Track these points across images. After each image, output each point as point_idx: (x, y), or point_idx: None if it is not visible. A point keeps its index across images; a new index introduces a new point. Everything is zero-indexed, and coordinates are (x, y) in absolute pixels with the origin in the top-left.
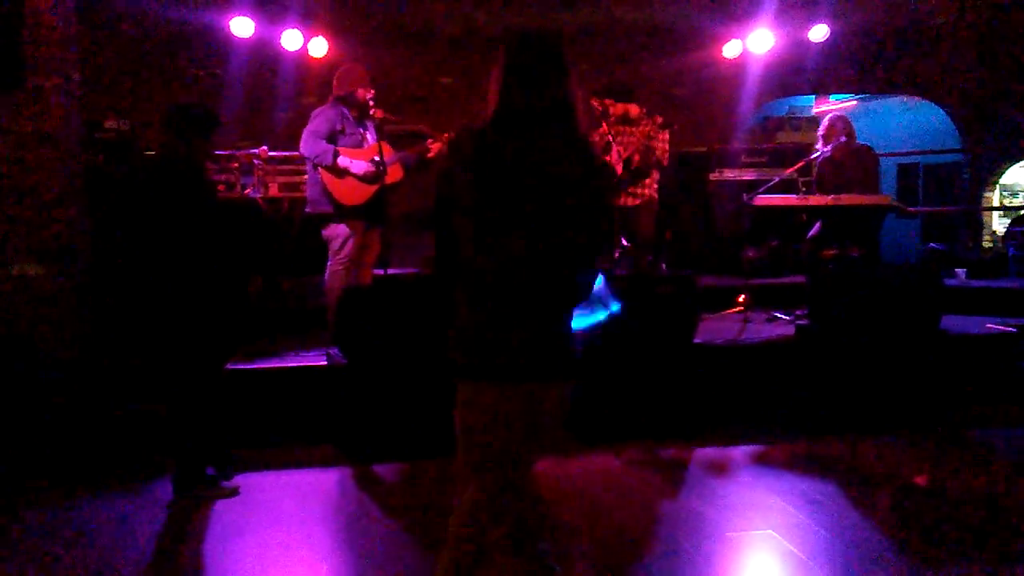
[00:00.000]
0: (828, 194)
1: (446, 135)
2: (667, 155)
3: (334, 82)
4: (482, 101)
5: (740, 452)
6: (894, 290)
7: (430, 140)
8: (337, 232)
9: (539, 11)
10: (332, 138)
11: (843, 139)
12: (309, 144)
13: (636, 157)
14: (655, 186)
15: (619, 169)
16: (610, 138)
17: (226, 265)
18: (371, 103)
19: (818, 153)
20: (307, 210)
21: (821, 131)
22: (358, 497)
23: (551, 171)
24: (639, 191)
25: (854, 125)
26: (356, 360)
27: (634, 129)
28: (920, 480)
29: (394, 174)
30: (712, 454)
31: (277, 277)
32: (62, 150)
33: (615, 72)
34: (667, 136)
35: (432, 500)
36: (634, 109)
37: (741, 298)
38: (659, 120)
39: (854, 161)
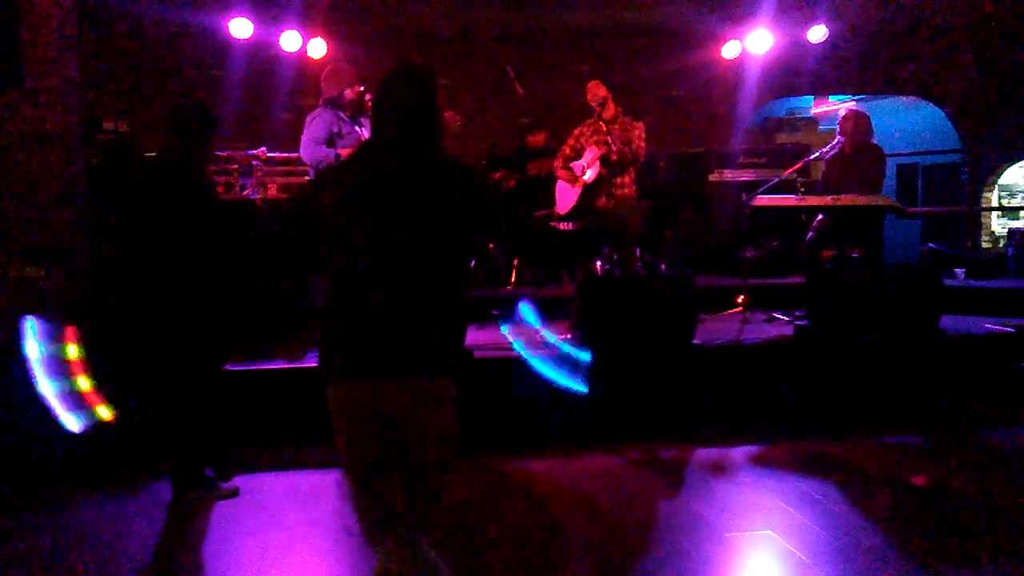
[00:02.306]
0: (831, 192)
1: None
2: (643, 151)
3: (322, 85)
4: (479, 101)
5: (739, 452)
6: (893, 290)
7: None
8: None
9: (536, 12)
10: (330, 141)
11: (841, 138)
12: (310, 151)
13: (613, 156)
14: (633, 185)
15: (596, 170)
16: (603, 136)
17: (225, 266)
18: (368, 99)
19: (818, 153)
20: None
21: (838, 124)
22: None
23: (404, 183)
24: (615, 191)
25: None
26: None
27: (613, 127)
28: (919, 480)
29: None
30: (712, 455)
31: (276, 278)
32: (61, 151)
33: (614, 73)
34: (642, 132)
35: None
36: (610, 110)
37: (740, 298)
38: (628, 119)
39: (861, 159)
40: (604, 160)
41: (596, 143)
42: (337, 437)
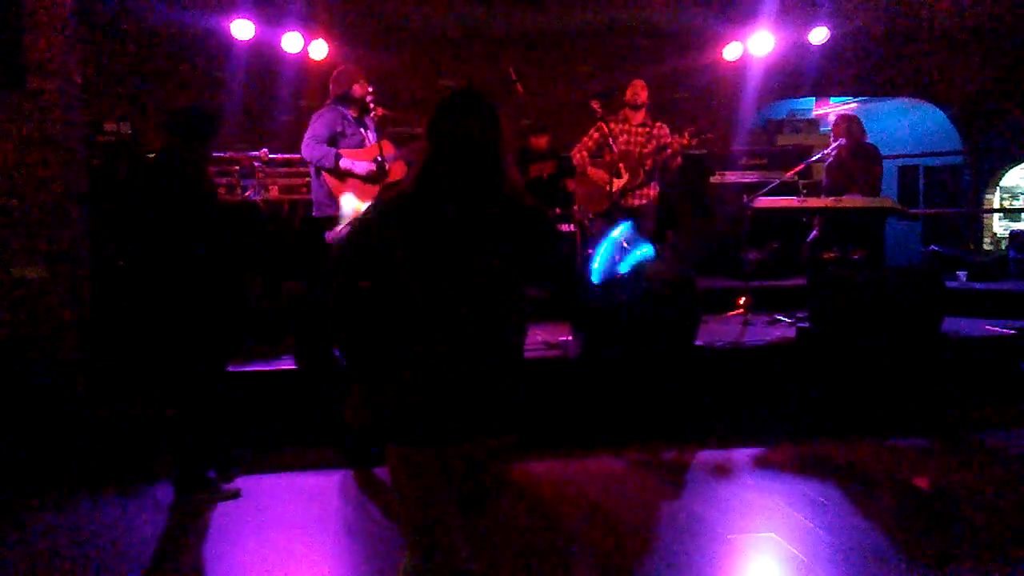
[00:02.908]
0: (832, 194)
1: None
2: (678, 157)
3: (330, 85)
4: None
5: (741, 454)
6: (895, 292)
7: None
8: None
9: (538, 13)
10: (333, 140)
11: (843, 140)
12: (310, 148)
13: (648, 161)
14: (657, 186)
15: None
16: (610, 141)
17: (226, 267)
18: (370, 100)
19: (819, 155)
20: (314, 214)
21: (832, 129)
22: (359, 500)
23: (471, 226)
24: (647, 192)
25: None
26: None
27: (649, 131)
28: (921, 482)
29: (396, 172)
30: (713, 456)
31: (278, 279)
32: (63, 152)
33: (616, 75)
34: (674, 140)
35: None
36: (641, 114)
37: (742, 300)
38: (665, 128)
39: (857, 161)
40: (644, 167)
41: (635, 144)
42: (402, 493)
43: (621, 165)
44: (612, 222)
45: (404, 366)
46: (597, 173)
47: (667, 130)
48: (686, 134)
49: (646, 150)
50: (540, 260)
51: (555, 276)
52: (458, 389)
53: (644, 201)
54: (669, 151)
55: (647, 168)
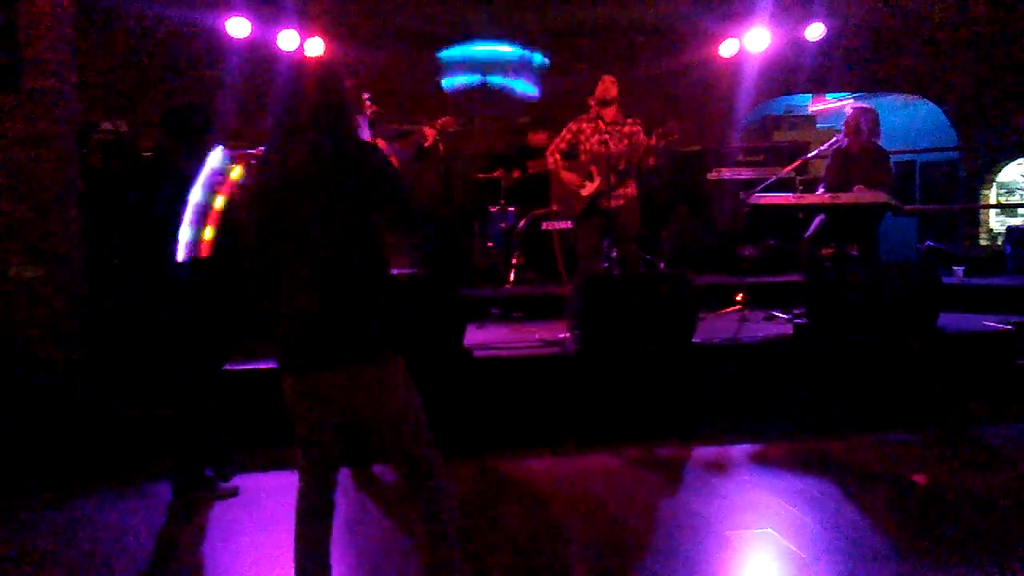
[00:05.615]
0: (834, 189)
1: (439, 121)
2: (651, 156)
3: None
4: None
5: (739, 451)
6: (892, 288)
7: (426, 128)
8: None
9: (535, 11)
10: None
11: (841, 136)
12: None
13: (622, 163)
14: (634, 185)
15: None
16: (607, 137)
17: (223, 265)
18: (367, 99)
19: (816, 151)
20: None
21: (843, 122)
22: (357, 497)
23: (301, 175)
24: (623, 191)
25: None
26: None
27: (620, 129)
28: (918, 478)
29: None
30: (711, 453)
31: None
32: (59, 152)
33: (612, 72)
34: (641, 132)
35: None
36: (613, 111)
37: (739, 297)
38: (639, 126)
39: (867, 159)
40: (615, 168)
41: (604, 144)
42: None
43: (593, 168)
44: (593, 226)
45: (276, 307)
46: (569, 176)
47: (640, 127)
48: (654, 135)
49: (617, 151)
50: (377, 193)
51: (394, 207)
52: (303, 326)
53: (621, 202)
54: (640, 151)
55: (619, 170)
